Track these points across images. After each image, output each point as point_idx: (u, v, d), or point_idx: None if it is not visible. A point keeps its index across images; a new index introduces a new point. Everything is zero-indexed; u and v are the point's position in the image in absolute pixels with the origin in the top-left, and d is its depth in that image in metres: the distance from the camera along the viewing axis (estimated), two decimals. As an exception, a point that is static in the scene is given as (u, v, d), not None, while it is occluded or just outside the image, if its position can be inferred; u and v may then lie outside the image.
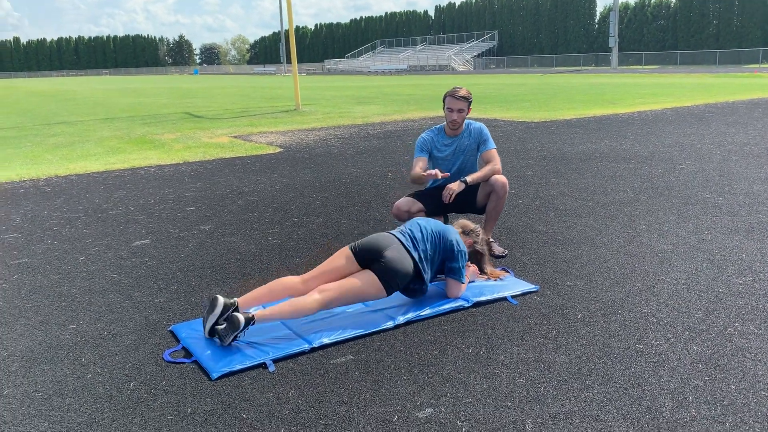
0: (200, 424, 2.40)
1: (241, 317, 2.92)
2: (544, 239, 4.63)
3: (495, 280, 3.73)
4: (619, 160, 7.90)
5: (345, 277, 3.22)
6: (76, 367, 2.87)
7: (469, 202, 4.35)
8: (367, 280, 3.17)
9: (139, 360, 2.92)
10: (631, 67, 61.83)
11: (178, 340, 3.12)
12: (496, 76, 44.79)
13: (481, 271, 3.75)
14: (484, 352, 2.91)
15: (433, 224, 3.52)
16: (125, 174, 7.86)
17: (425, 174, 4.10)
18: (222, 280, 3.94)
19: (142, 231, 5.13)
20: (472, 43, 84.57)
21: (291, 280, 3.25)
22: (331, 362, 2.86)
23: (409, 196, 4.41)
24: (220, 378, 2.74)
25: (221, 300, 3.01)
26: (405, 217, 4.34)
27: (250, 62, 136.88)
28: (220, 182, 7.13)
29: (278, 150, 9.62)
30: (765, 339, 2.96)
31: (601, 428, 2.31)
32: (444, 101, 4.29)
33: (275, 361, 2.87)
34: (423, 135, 4.42)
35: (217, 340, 2.99)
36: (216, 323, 3.01)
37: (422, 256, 3.33)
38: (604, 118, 12.95)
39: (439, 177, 4.09)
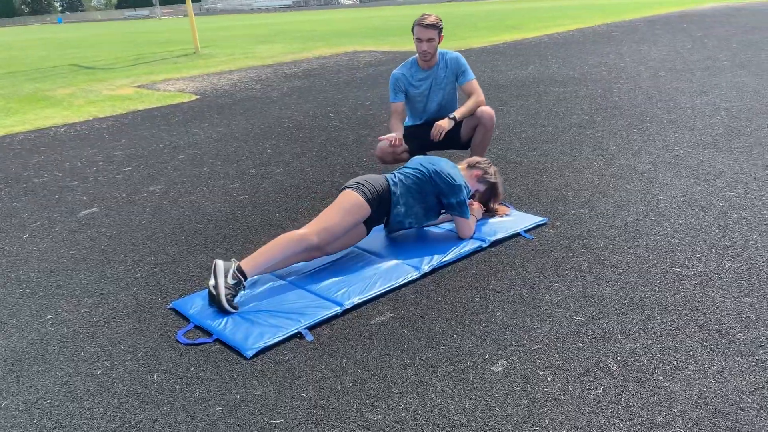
0: (259, 412, 2.11)
1: (216, 261, 2.71)
2: (524, 169, 4.51)
3: (501, 216, 3.57)
4: (553, 84, 7.89)
5: None
6: (78, 363, 2.46)
7: (453, 138, 4.13)
8: (342, 196, 3.04)
9: (149, 346, 2.55)
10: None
11: (184, 318, 2.75)
12: (385, 8, 44.07)
13: (489, 208, 3.57)
14: (526, 293, 2.76)
15: (427, 158, 3.31)
16: (31, 137, 7.01)
17: (391, 143, 3.91)
18: (204, 245, 3.55)
19: (83, 199, 4.56)
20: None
21: (295, 233, 2.94)
22: (371, 323, 2.61)
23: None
24: (255, 356, 2.43)
25: (220, 262, 2.70)
26: (389, 159, 4.07)
27: (118, 6, 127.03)
28: (147, 137, 6.49)
29: (195, 97, 8.93)
30: (791, 249, 2.99)
31: (686, 359, 2.22)
32: (413, 32, 3.98)
33: (310, 329, 2.59)
34: (395, 72, 4.10)
35: (214, 306, 2.71)
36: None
37: (401, 175, 3.21)
38: (516, 43, 12.97)
39: (399, 149, 3.91)
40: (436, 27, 3.89)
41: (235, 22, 35.49)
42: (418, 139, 4.07)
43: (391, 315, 2.66)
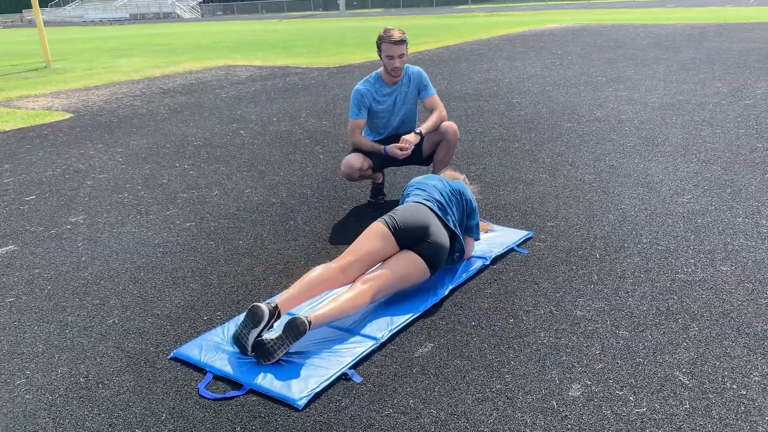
0: (349, 471, 1.85)
1: (303, 320, 2.34)
2: (475, 183, 4.50)
3: (486, 232, 3.52)
4: (454, 99, 8.04)
5: (385, 259, 2.76)
6: (90, 437, 2.04)
7: (416, 154, 4.01)
8: (410, 262, 2.74)
9: (169, 407, 2.17)
10: (359, 11, 63.90)
11: (196, 368, 2.39)
12: (233, 22, 43.03)
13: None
14: (556, 310, 2.71)
15: (446, 182, 3.17)
16: None
17: (394, 149, 3.75)
18: (172, 281, 3.14)
19: (-10, 235, 3.89)
20: (195, -11, 79.84)
21: (328, 272, 2.66)
22: (416, 356, 2.43)
23: (355, 151, 3.93)
24: (306, 405, 2.15)
25: (265, 308, 2.37)
26: (357, 176, 3.88)
27: None
28: (35, 161, 5.73)
29: (69, 116, 8.06)
30: (763, 249, 3.20)
31: (745, 366, 2.27)
32: (379, 48, 3.82)
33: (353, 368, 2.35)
34: (358, 87, 3.92)
35: (253, 355, 2.37)
36: (260, 335, 2.37)
37: (454, 221, 2.98)
38: (393, 59, 13.12)
39: (399, 156, 3.74)
40: (405, 42, 3.77)
41: (74, 34, 32.84)
42: (382, 155, 3.91)
43: (432, 345, 2.49)
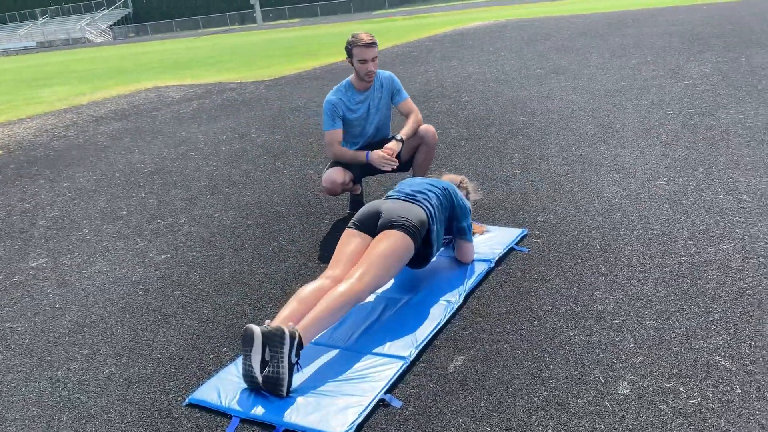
0: (419, 505, 1.72)
1: (278, 326, 2.20)
2: (476, 181, 4.43)
3: (481, 234, 3.45)
4: (402, 102, 7.97)
5: None
6: (120, 505, 1.83)
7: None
8: (381, 237, 2.67)
9: (200, 459, 1.99)
10: (277, 22, 63.35)
11: (218, 413, 2.21)
12: (150, 43, 41.87)
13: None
14: (576, 307, 2.65)
15: (427, 180, 3.08)
16: None
17: (384, 157, 3.64)
18: (163, 320, 2.92)
19: (-58, 290, 3.54)
20: (103, 12, 77.33)
21: (318, 285, 2.54)
22: (449, 371, 2.32)
23: (335, 165, 3.79)
24: (351, 439, 2.01)
25: (256, 330, 2.21)
26: (339, 190, 3.75)
27: None
28: (-28, 204, 5.30)
29: (-3, 153, 7.56)
30: (753, 223, 3.25)
31: (779, 342, 2.27)
32: (350, 54, 3.70)
33: (387, 391, 2.22)
34: (330, 98, 3.77)
35: (265, 389, 2.21)
36: (263, 361, 2.21)
37: (429, 203, 2.86)
38: (329, 68, 13.01)
39: (386, 168, 3.65)
40: (376, 44, 3.67)
41: (-22, 67, 31.15)
42: (360, 165, 3.79)
43: (464, 358, 2.39)
